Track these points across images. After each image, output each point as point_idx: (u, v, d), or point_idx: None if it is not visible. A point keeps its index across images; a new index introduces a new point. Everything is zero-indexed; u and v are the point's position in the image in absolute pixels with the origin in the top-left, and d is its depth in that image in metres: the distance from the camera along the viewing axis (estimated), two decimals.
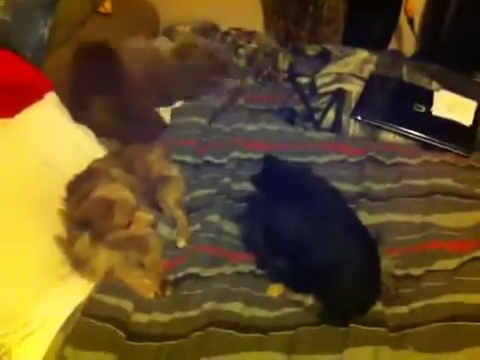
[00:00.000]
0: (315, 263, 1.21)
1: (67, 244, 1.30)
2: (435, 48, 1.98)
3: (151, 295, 1.31)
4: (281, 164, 1.35)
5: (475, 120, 1.72)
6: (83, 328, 1.22)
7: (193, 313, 1.26)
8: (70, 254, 1.30)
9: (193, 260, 1.38)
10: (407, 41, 2.05)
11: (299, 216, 1.23)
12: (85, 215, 1.25)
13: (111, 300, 1.28)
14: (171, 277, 1.35)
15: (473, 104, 1.77)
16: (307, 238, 1.21)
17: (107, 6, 1.92)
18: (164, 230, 1.46)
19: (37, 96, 1.54)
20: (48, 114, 1.54)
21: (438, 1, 1.92)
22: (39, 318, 1.24)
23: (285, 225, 1.25)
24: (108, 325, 1.23)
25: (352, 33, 2.01)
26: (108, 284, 1.31)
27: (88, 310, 1.25)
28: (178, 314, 1.27)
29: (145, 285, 1.32)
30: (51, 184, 1.39)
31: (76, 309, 1.26)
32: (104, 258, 1.28)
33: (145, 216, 1.30)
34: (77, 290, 1.30)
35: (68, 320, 1.24)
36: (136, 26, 2.01)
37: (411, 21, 1.91)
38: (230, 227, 1.46)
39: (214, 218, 1.47)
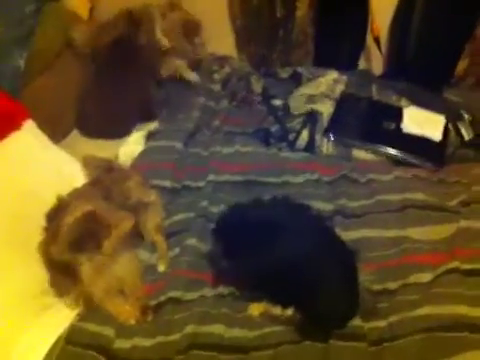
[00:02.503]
0: (295, 279, 1.22)
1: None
2: (402, 66, 2.02)
3: (132, 321, 1.31)
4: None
5: (444, 134, 1.77)
6: (66, 356, 1.22)
7: (175, 337, 1.27)
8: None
9: (173, 284, 1.39)
10: (375, 60, 2.10)
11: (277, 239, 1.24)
12: (73, 235, 1.23)
13: (93, 327, 1.28)
14: (152, 302, 1.36)
15: (442, 119, 1.81)
16: (287, 257, 1.23)
17: None
18: (144, 255, 1.47)
19: (15, 126, 1.54)
20: (27, 143, 1.55)
21: (401, 21, 1.97)
22: (23, 348, 1.24)
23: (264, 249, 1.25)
24: (90, 352, 1.23)
25: (322, 55, 2.06)
26: (90, 311, 1.32)
27: (71, 338, 1.25)
28: (160, 338, 1.27)
29: (126, 311, 1.33)
30: (33, 213, 1.39)
31: (59, 338, 1.26)
32: (102, 283, 1.29)
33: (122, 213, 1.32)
34: (60, 319, 1.30)
35: (52, 349, 1.24)
36: None
37: (377, 40, 1.96)
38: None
39: (193, 241, 1.48)
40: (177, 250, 1.48)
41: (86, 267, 1.26)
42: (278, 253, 1.22)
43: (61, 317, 1.31)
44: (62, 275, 1.31)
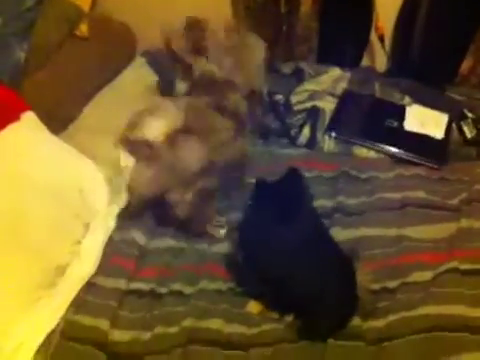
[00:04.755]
0: (293, 287, 1.22)
1: None
2: (406, 64, 2.01)
3: None
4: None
5: (447, 133, 1.76)
6: (63, 351, 1.23)
7: (174, 330, 1.27)
8: None
9: (175, 276, 1.41)
10: (379, 58, 2.08)
11: (276, 240, 1.23)
12: None
13: (89, 320, 1.28)
14: (149, 286, 1.38)
15: (444, 117, 1.80)
16: (285, 263, 1.21)
17: (83, 29, 1.93)
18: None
19: (13, 117, 1.52)
20: (26, 135, 1.53)
21: (406, 19, 1.95)
22: (14, 343, 1.23)
23: (264, 250, 1.24)
24: (88, 347, 1.23)
25: (325, 52, 2.05)
26: (84, 303, 1.33)
27: (66, 332, 1.26)
28: (158, 330, 1.27)
29: None
30: (32, 204, 1.39)
31: (54, 331, 1.26)
32: None
33: None
34: (52, 311, 1.30)
35: (46, 343, 1.23)
36: (113, 49, 2.04)
37: (381, 38, 1.95)
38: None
39: None
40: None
41: None
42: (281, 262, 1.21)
43: (53, 309, 1.30)
44: None
